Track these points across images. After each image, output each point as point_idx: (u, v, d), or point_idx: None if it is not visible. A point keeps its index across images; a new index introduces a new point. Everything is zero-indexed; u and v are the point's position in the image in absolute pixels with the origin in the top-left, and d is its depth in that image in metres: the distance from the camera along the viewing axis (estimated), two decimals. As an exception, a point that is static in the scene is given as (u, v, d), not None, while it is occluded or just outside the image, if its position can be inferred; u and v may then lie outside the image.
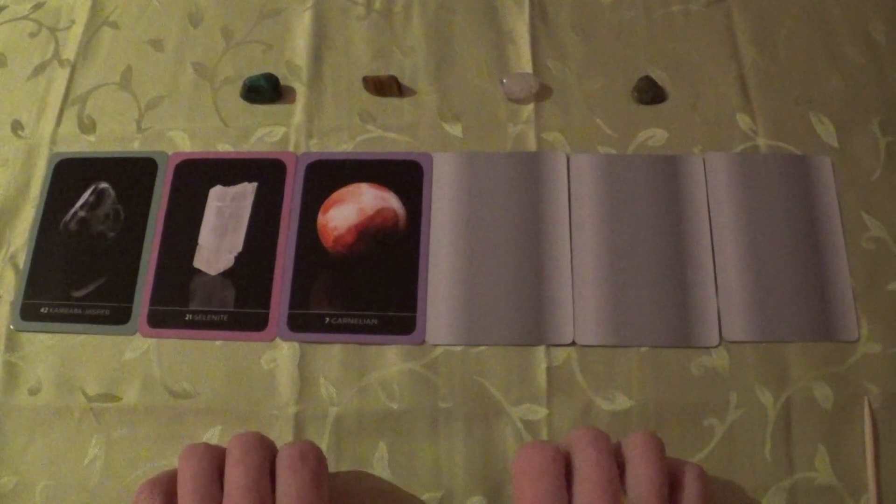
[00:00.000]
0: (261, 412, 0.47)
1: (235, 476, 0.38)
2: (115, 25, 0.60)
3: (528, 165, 0.52)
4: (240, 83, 0.56)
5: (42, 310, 0.51)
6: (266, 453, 0.39)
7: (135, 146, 0.55)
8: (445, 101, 0.55)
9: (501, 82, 0.54)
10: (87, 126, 0.56)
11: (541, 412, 0.46)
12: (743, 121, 0.53)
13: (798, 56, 0.55)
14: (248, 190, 0.53)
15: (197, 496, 0.37)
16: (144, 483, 0.39)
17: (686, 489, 0.38)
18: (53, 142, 0.56)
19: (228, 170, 0.54)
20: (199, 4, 0.60)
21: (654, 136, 0.53)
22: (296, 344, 0.49)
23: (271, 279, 0.50)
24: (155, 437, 0.47)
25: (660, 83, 0.54)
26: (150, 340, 0.50)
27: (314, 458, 0.39)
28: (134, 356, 0.49)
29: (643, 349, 0.47)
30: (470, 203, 0.51)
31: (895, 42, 0.55)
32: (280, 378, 0.48)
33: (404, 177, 0.52)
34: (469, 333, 0.48)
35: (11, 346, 0.50)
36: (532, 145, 0.53)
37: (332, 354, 0.48)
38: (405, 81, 0.55)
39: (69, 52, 0.59)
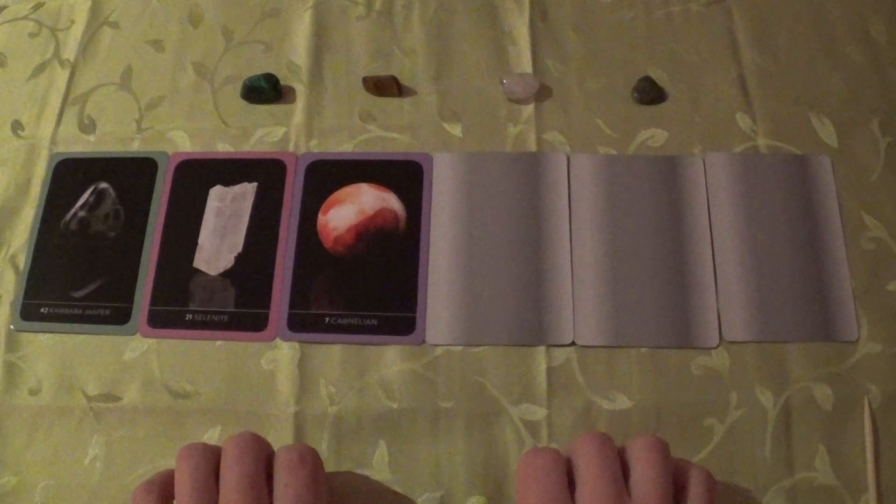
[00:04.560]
0: (261, 412, 0.47)
1: (230, 477, 0.38)
2: (115, 25, 0.60)
3: (529, 166, 0.52)
4: (240, 83, 0.56)
5: (42, 310, 0.51)
6: (261, 454, 0.39)
7: (135, 146, 0.55)
8: (445, 102, 0.55)
9: (501, 82, 0.54)
10: (87, 126, 0.56)
11: (541, 412, 0.46)
12: (743, 121, 0.53)
13: (798, 56, 0.55)
14: (248, 190, 0.53)
15: (193, 497, 0.38)
16: (141, 484, 0.39)
17: (692, 492, 0.38)
18: (53, 142, 0.56)
19: (228, 170, 0.54)
20: (199, 4, 0.60)
21: (654, 136, 0.53)
22: (296, 344, 0.49)
23: (271, 279, 0.50)
24: (155, 437, 0.47)
25: (660, 83, 0.54)
26: (150, 340, 0.50)
27: (312, 460, 0.39)
28: (134, 356, 0.49)
29: (643, 349, 0.47)
30: (470, 203, 0.51)
31: (895, 42, 0.55)
32: (280, 378, 0.48)
33: (404, 177, 0.52)
34: (469, 333, 0.48)
35: (11, 346, 0.50)
36: (532, 145, 0.53)
37: (332, 354, 0.48)
38: (405, 81, 0.56)
39: (69, 52, 0.59)
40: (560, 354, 0.47)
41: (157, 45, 0.59)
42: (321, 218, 0.52)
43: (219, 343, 0.49)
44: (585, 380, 0.47)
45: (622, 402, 0.46)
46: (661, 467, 0.37)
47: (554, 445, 0.45)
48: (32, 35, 0.60)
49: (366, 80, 0.55)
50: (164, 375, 0.49)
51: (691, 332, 0.48)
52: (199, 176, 0.54)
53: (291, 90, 0.56)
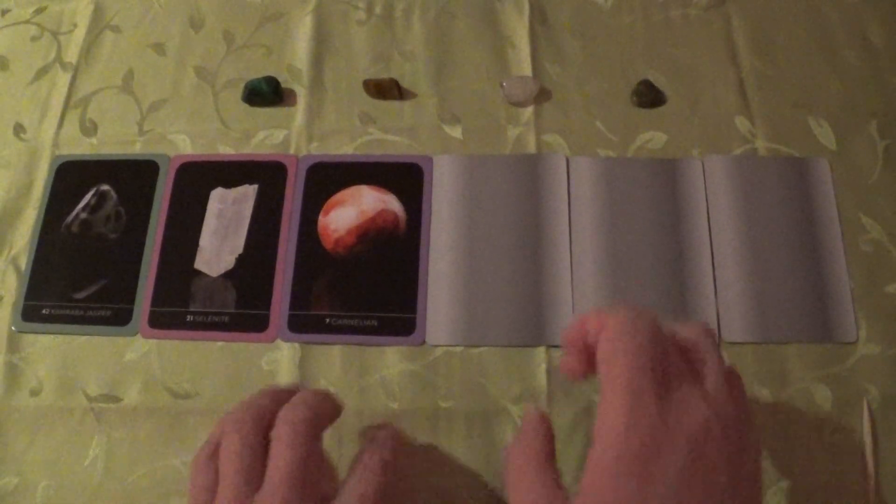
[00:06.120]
0: (261, 413, 0.47)
1: (281, 461, 0.36)
2: (116, 29, 0.60)
3: (528, 168, 0.52)
4: (241, 86, 0.56)
5: (43, 311, 0.51)
6: (317, 430, 0.38)
7: (136, 149, 0.55)
8: (446, 104, 0.55)
9: (501, 85, 0.54)
10: (88, 129, 0.56)
11: (541, 412, 0.46)
12: (741, 124, 0.53)
13: (796, 59, 0.55)
14: (249, 192, 0.53)
15: (239, 477, 0.36)
16: (203, 450, 0.39)
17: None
18: (55, 144, 0.56)
19: (229, 172, 0.54)
20: (200, 8, 0.60)
21: (653, 138, 0.53)
22: (296, 345, 0.49)
23: (272, 281, 0.51)
24: (156, 438, 0.47)
25: (659, 86, 0.54)
26: (150, 341, 0.50)
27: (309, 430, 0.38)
28: (135, 357, 0.49)
29: (643, 350, 0.48)
30: (470, 205, 0.52)
31: (893, 46, 0.55)
32: (280, 379, 0.48)
33: (404, 179, 0.53)
34: (469, 334, 0.48)
35: (13, 346, 0.50)
36: (532, 148, 0.53)
37: (332, 355, 0.49)
38: (405, 84, 0.56)
39: (71, 56, 0.59)
40: (560, 355, 0.47)
41: (159, 48, 0.59)
42: (322, 219, 0.52)
43: (219, 344, 0.49)
44: (585, 380, 0.47)
45: (622, 403, 0.46)
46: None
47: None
48: (35, 39, 0.60)
49: (366, 83, 0.55)
50: (165, 376, 0.49)
51: (691, 333, 0.48)
52: (200, 178, 0.54)
53: (292, 93, 0.56)
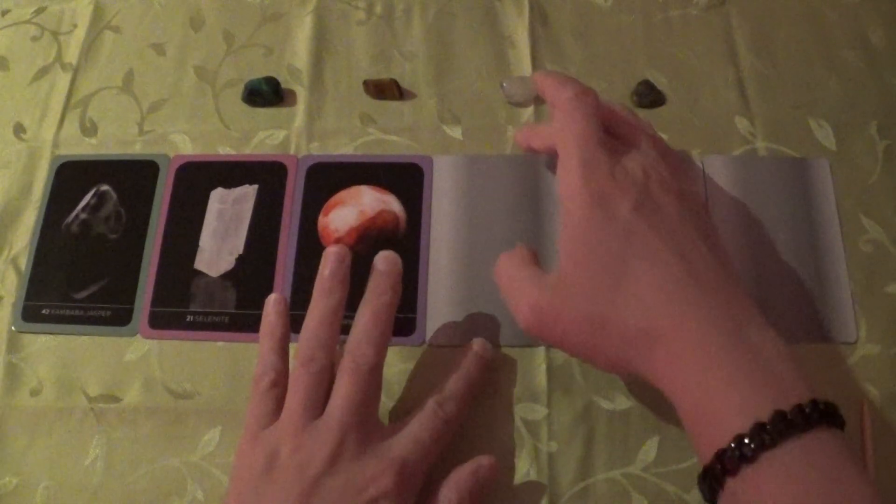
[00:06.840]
0: (261, 413, 0.47)
1: (342, 398, 0.41)
2: (116, 30, 0.60)
3: (528, 168, 0.52)
4: (241, 86, 0.56)
5: (43, 311, 0.51)
6: (381, 366, 0.43)
7: (136, 149, 0.55)
8: (446, 104, 0.55)
9: (501, 86, 0.54)
10: (88, 129, 0.56)
11: (541, 411, 0.46)
12: (742, 124, 0.53)
13: (796, 60, 0.55)
14: (249, 192, 0.53)
15: (302, 409, 0.41)
16: (263, 377, 0.43)
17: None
18: (55, 144, 0.56)
19: (229, 172, 0.54)
20: (200, 9, 0.60)
21: (653, 139, 0.53)
22: (297, 345, 0.49)
23: (272, 281, 0.51)
24: (156, 438, 0.47)
25: (659, 87, 0.54)
26: (150, 342, 0.50)
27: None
28: (135, 357, 0.49)
29: (643, 350, 0.48)
30: (470, 205, 0.52)
31: (893, 46, 0.55)
32: (281, 379, 0.48)
33: (405, 179, 0.53)
34: (469, 334, 0.48)
35: (13, 347, 0.50)
36: (532, 148, 0.53)
37: (332, 355, 0.48)
38: (405, 85, 0.56)
39: (71, 56, 0.59)
40: (560, 354, 0.47)
41: (159, 48, 0.59)
42: (322, 220, 0.52)
43: (219, 344, 0.49)
44: (585, 379, 0.47)
45: (622, 402, 0.46)
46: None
47: (553, 444, 0.45)
48: (35, 39, 0.60)
49: (366, 84, 0.56)
50: (165, 376, 0.49)
51: (691, 333, 0.48)
52: (200, 178, 0.54)
53: (292, 93, 0.56)
